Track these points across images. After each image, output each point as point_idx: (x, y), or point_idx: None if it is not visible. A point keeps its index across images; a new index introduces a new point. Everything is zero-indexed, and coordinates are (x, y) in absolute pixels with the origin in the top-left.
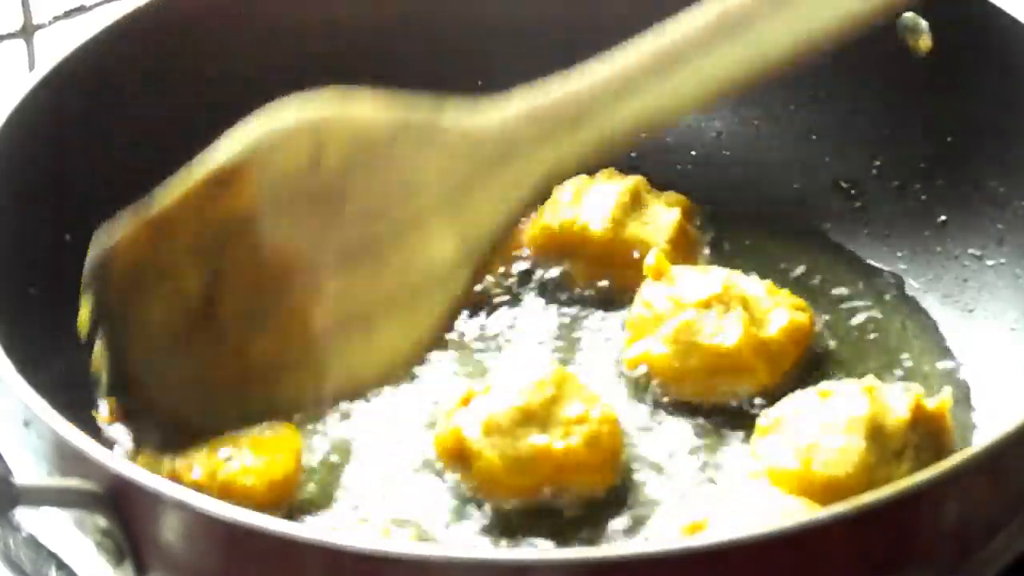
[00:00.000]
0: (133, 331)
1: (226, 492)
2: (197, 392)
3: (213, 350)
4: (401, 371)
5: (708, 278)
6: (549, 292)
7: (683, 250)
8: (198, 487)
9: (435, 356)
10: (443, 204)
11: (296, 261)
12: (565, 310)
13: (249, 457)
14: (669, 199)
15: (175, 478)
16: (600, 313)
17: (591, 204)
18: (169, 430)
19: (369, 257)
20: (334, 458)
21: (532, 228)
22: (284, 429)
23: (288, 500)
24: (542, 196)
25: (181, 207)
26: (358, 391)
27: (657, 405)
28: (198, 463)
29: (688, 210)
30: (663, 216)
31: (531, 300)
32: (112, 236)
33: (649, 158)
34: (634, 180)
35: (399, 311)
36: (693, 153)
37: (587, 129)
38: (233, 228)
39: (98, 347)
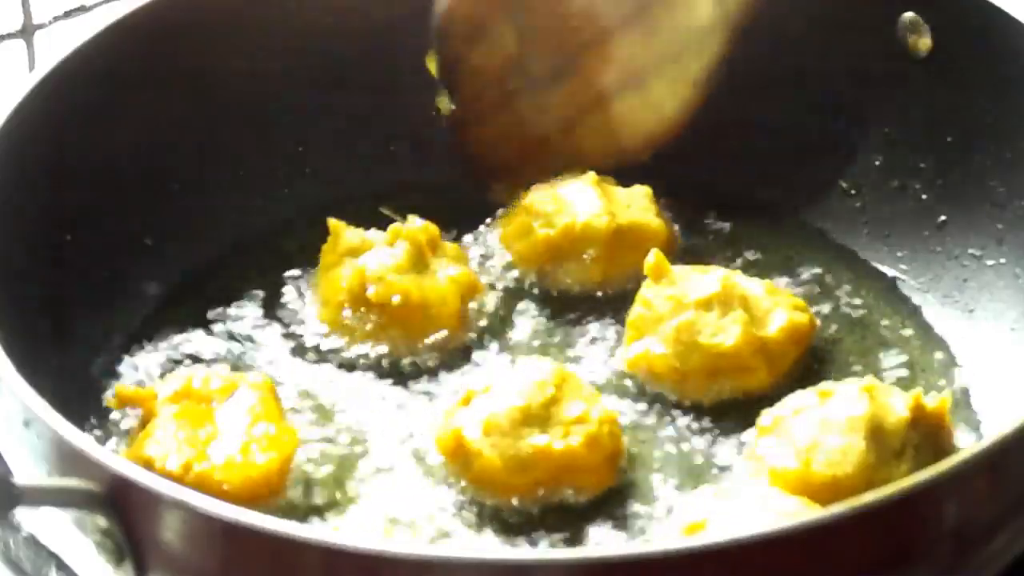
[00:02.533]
0: (467, 75)
1: (200, 487)
2: (510, 142)
3: (524, 104)
4: (672, 127)
5: (708, 278)
6: (549, 292)
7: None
8: (171, 478)
9: (434, 356)
10: None
11: (588, 23)
12: (565, 310)
13: (229, 453)
14: (634, 189)
15: (150, 466)
16: (600, 313)
17: (586, 203)
18: (489, 169)
19: (643, 19)
20: (336, 456)
21: (533, 230)
22: (283, 431)
23: (271, 500)
24: None
25: None
26: (637, 148)
27: (657, 405)
28: (175, 453)
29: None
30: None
31: (531, 300)
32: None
33: (649, 158)
34: (590, 175)
35: (667, 70)
36: (692, 152)
37: None
38: None
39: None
